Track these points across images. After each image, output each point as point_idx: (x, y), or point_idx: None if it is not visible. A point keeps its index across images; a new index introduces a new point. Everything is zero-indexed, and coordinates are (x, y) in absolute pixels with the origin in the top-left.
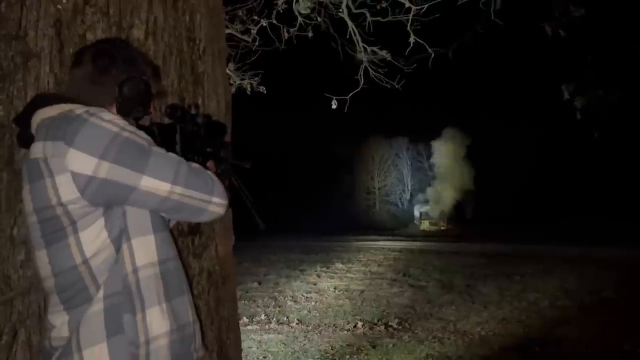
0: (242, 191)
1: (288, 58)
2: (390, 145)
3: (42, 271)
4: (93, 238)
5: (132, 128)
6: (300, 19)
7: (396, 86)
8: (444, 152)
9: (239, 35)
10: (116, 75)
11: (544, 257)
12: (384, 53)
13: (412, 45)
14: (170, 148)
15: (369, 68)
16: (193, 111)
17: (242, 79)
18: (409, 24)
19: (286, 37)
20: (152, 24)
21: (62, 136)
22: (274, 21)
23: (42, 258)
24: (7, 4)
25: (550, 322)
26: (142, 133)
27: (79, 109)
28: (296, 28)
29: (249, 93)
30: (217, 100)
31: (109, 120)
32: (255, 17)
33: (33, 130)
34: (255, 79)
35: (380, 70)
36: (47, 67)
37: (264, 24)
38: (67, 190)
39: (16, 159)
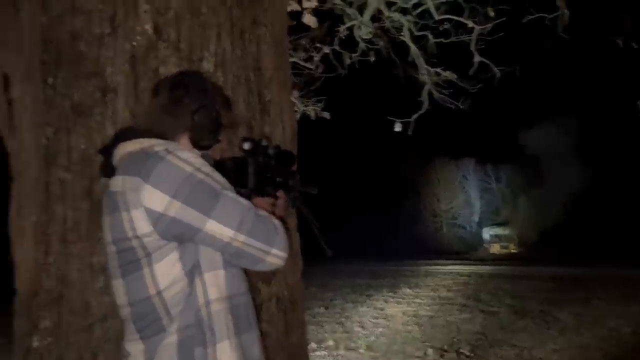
0: (310, 218)
1: (351, 83)
2: (456, 167)
3: (119, 299)
4: (167, 270)
5: (208, 169)
6: (362, 44)
7: (461, 106)
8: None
9: (302, 63)
10: (189, 104)
11: (622, 281)
12: (447, 74)
13: (476, 64)
14: (243, 181)
15: (433, 90)
16: (264, 143)
17: (306, 106)
18: (472, 44)
19: (348, 63)
20: (220, 56)
21: (139, 172)
22: (337, 48)
23: (118, 287)
24: (86, 43)
25: (633, 349)
26: (217, 175)
27: (158, 146)
28: (358, 53)
29: (313, 119)
30: (283, 127)
31: (185, 160)
32: (318, 45)
33: (115, 163)
34: (319, 105)
35: (444, 91)
36: (123, 101)
37: (327, 51)
38: (141, 224)
39: (96, 189)
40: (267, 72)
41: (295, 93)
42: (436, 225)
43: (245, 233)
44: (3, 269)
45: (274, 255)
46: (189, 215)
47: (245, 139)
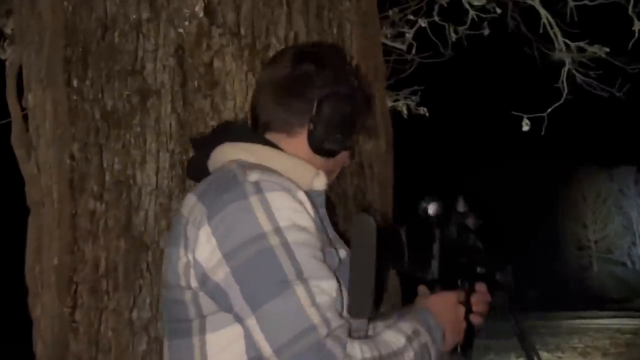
0: (525, 336)
1: (457, 68)
2: (610, 179)
3: None
4: (223, 346)
5: (298, 235)
6: (472, 13)
7: (617, 94)
8: None
9: (389, 42)
10: (319, 88)
11: None
12: (596, 49)
13: (637, 35)
14: (423, 265)
15: (574, 71)
16: (461, 208)
17: (395, 100)
18: (630, 6)
19: (454, 40)
20: (292, 42)
21: (209, 203)
22: (437, 19)
23: (165, 350)
24: (120, 33)
25: None
26: (305, 251)
27: (252, 174)
28: (467, 26)
29: (405, 117)
30: (376, 136)
31: (270, 212)
32: (411, 17)
33: (210, 168)
34: (413, 98)
35: (591, 73)
36: (169, 107)
37: (423, 25)
38: (193, 274)
39: (135, 224)
40: (352, 61)
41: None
42: (582, 260)
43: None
44: (20, 325)
45: None
46: (233, 292)
47: (429, 199)
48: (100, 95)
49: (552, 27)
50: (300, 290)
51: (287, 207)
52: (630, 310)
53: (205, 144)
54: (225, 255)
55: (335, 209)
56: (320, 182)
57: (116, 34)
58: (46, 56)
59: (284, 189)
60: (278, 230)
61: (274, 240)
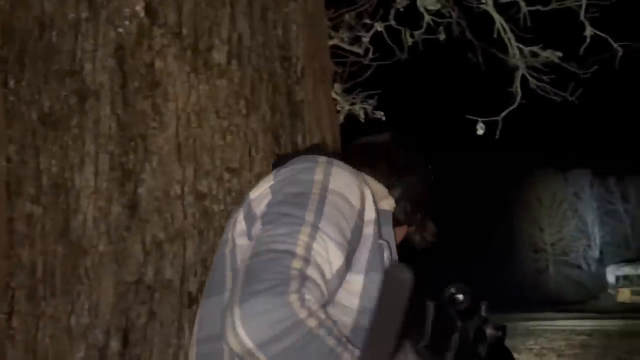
0: None
1: (413, 72)
2: (565, 182)
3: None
4: None
5: (337, 201)
6: (427, 17)
7: (570, 98)
8: None
9: (346, 46)
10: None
11: None
12: (548, 54)
13: (588, 40)
14: (438, 352)
15: (528, 76)
16: (484, 312)
17: (352, 104)
18: (582, 12)
19: (409, 44)
20: (235, 43)
21: (281, 169)
22: (393, 24)
23: (197, 315)
24: (58, 32)
25: None
26: (336, 214)
27: (334, 160)
28: (422, 30)
29: (362, 121)
30: (322, 135)
31: (328, 174)
32: (368, 21)
33: None
34: (370, 102)
35: (544, 77)
36: (108, 108)
37: (379, 29)
38: (241, 216)
39: (73, 227)
40: (298, 62)
41: (338, 87)
42: (539, 263)
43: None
44: None
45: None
46: (260, 212)
47: (461, 287)
48: (37, 96)
49: (505, 32)
50: (306, 231)
51: (345, 182)
52: (585, 312)
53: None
54: (271, 188)
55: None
56: (388, 204)
57: (54, 33)
58: None
59: (352, 175)
60: (325, 187)
61: (316, 190)
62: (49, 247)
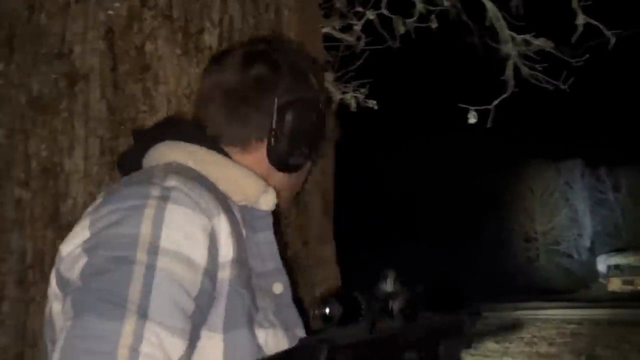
0: None
1: (405, 60)
2: (557, 172)
3: None
4: None
5: (171, 268)
6: (419, 5)
7: (562, 86)
8: None
9: (337, 34)
10: (277, 94)
11: None
12: (540, 42)
13: (580, 28)
14: None
15: (520, 64)
16: (389, 285)
17: (344, 92)
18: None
19: (402, 32)
20: (227, 25)
21: (110, 195)
22: (385, 11)
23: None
24: (47, 15)
25: None
26: (169, 289)
27: (172, 179)
28: (415, 18)
29: (353, 110)
30: None
31: (158, 225)
32: (360, 9)
33: (144, 165)
34: (362, 90)
35: (537, 66)
36: (98, 92)
37: (371, 17)
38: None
39: (62, 212)
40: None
41: (329, 75)
42: (530, 253)
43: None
44: None
45: None
46: (73, 285)
47: (322, 305)
48: (26, 79)
49: (498, 20)
50: (130, 325)
51: (182, 230)
52: (575, 301)
53: (145, 138)
54: (85, 246)
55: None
56: (267, 201)
57: (43, 15)
58: None
59: (196, 209)
60: (153, 248)
61: (141, 257)
62: (39, 232)
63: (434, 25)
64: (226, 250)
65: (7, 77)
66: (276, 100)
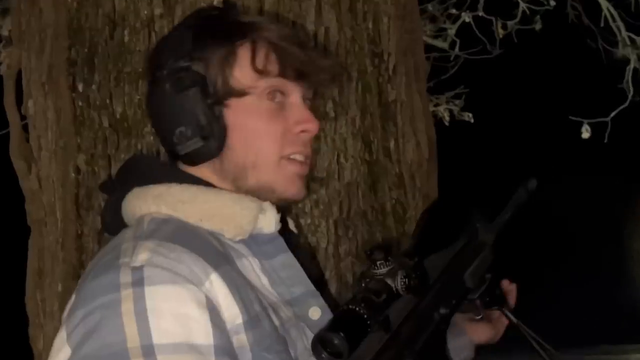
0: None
1: (505, 67)
2: None
3: None
4: None
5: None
6: (522, 5)
7: None
8: None
9: (429, 40)
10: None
11: None
12: None
13: None
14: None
15: None
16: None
17: (436, 105)
18: None
19: (501, 35)
20: (322, 37)
21: (81, 287)
22: (481, 14)
23: None
24: (131, 30)
25: None
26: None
27: (143, 251)
28: (517, 19)
29: (447, 124)
30: (417, 140)
31: (143, 319)
32: (454, 11)
33: (126, 220)
34: (457, 102)
35: None
36: None
37: (467, 20)
38: None
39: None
40: (390, 59)
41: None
42: None
43: None
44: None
45: None
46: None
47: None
48: (108, 100)
49: (614, 20)
50: None
51: (172, 314)
52: None
53: (114, 190)
54: (68, 339)
55: (308, 247)
56: (268, 222)
57: (126, 32)
58: (48, 58)
59: (179, 281)
60: (148, 351)
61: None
62: None
63: (538, 27)
64: (232, 313)
65: (87, 98)
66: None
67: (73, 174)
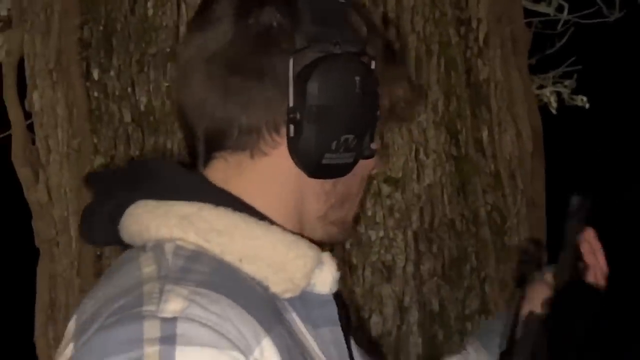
0: None
1: (627, 39)
2: None
3: None
4: None
5: None
6: None
7: None
8: None
9: (529, 4)
10: (296, 52)
11: None
12: None
13: None
14: None
15: None
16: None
17: (540, 87)
18: None
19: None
20: (393, 1)
21: (91, 338)
22: None
23: None
24: (155, 3)
25: None
26: None
27: (174, 299)
28: None
29: (554, 111)
30: (517, 129)
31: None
32: None
33: (125, 238)
34: (567, 83)
35: None
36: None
37: None
38: None
39: None
40: (480, 27)
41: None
42: None
43: None
44: None
45: None
46: None
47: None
48: (130, 89)
49: None
50: None
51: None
52: None
53: (112, 191)
54: None
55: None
56: (325, 279)
57: (149, 4)
58: (55, 40)
59: (222, 344)
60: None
61: None
62: None
63: None
64: None
65: (104, 88)
66: (291, 61)
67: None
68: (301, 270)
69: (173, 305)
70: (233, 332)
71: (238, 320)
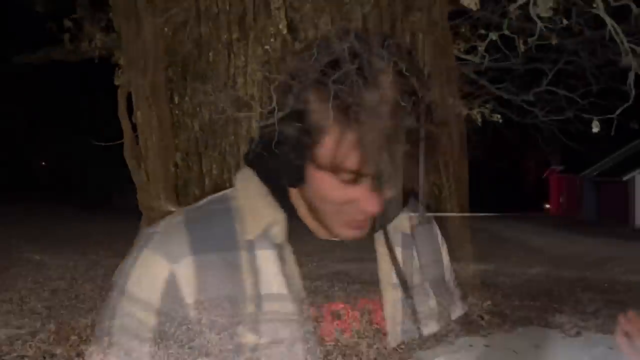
0: None
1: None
2: None
3: None
4: None
5: (126, 308)
6: (540, 24)
7: None
8: None
9: (462, 55)
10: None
11: None
12: None
13: None
14: None
15: None
16: None
17: (470, 108)
18: None
19: (523, 50)
20: None
21: None
22: (506, 32)
23: None
24: (214, 52)
25: None
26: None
27: (170, 219)
28: (535, 37)
29: (479, 124)
30: (449, 132)
31: (128, 269)
32: (482, 31)
33: None
34: (487, 105)
35: None
36: (259, 117)
37: (494, 38)
38: None
39: None
40: (424, 67)
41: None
42: None
43: None
44: None
45: None
46: None
47: None
48: (198, 109)
49: (617, 34)
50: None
51: (141, 273)
52: None
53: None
54: None
55: None
56: (276, 233)
57: (211, 53)
58: (151, 77)
59: (158, 252)
60: (121, 289)
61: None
62: None
63: (554, 41)
64: (189, 292)
65: (182, 107)
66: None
67: (172, 168)
68: (264, 217)
69: (158, 227)
70: (169, 249)
71: (179, 243)
